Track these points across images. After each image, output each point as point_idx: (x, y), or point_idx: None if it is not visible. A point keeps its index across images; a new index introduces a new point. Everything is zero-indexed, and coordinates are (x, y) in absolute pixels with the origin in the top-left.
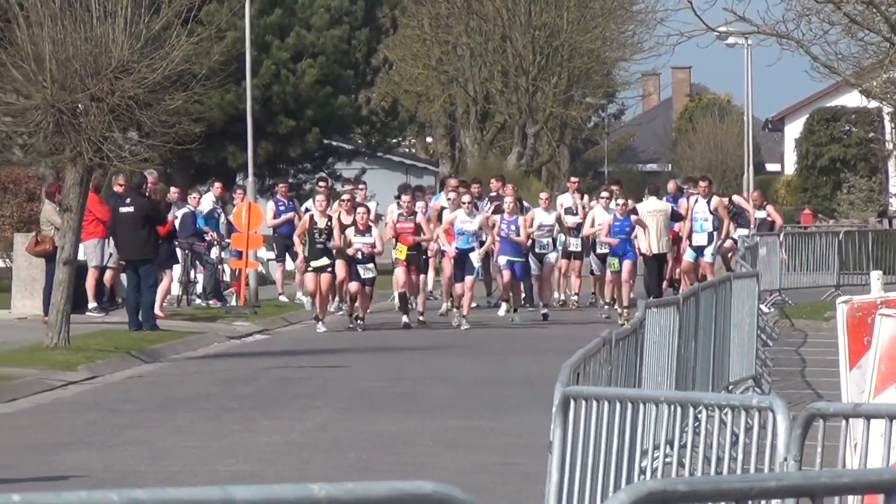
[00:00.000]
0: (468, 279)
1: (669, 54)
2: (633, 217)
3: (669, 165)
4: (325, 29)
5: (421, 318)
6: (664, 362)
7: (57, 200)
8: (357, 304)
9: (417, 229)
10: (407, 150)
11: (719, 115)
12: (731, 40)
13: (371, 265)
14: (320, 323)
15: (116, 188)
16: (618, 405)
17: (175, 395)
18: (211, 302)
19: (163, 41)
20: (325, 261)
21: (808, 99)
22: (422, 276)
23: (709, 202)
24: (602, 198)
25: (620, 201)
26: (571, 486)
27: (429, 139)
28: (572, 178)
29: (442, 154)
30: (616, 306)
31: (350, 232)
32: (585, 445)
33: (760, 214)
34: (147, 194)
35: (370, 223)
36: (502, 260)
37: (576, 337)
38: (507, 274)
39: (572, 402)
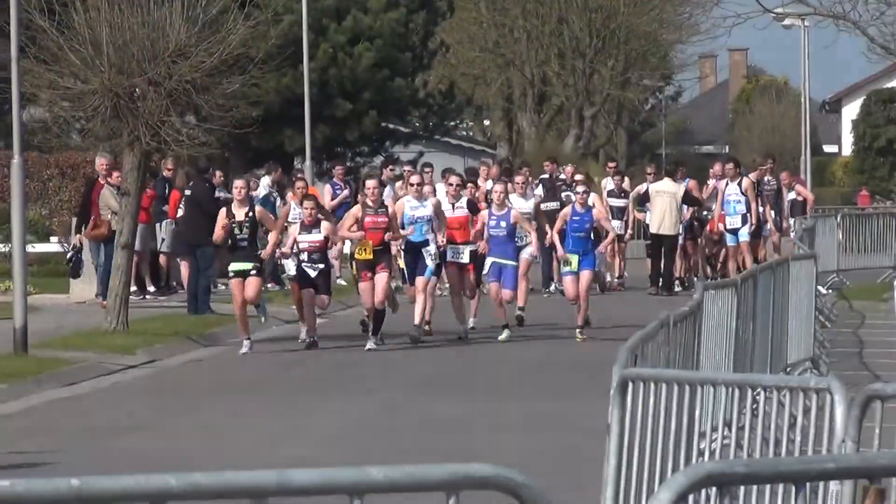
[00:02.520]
0: (419, 281)
1: (726, 36)
2: (594, 212)
3: (727, 147)
4: (382, 12)
5: (427, 327)
6: (722, 344)
7: (114, 184)
8: (313, 310)
9: (390, 225)
10: (464, 133)
11: (776, 97)
12: (787, 22)
13: (321, 265)
14: (246, 342)
15: (165, 172)
16: (676, 387)
17: (234, 379)
18: (269, 285)
19: (220, 25)
20: (247, 264)
21: (864, 80)
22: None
23: (739, 184)
24: (517, 184)
25: (580, 189)
26: (630, 468)
27: (486, 122)
28: (610, 163)
29: (499, 137)
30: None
31: (294, 229)
32: (643, 428)
33: (791, 195)
34: (209, 180)
35: (319, 217)
36: (487, 263)
37: (632, 319)
38: (494, 286)
39: (630, 385)
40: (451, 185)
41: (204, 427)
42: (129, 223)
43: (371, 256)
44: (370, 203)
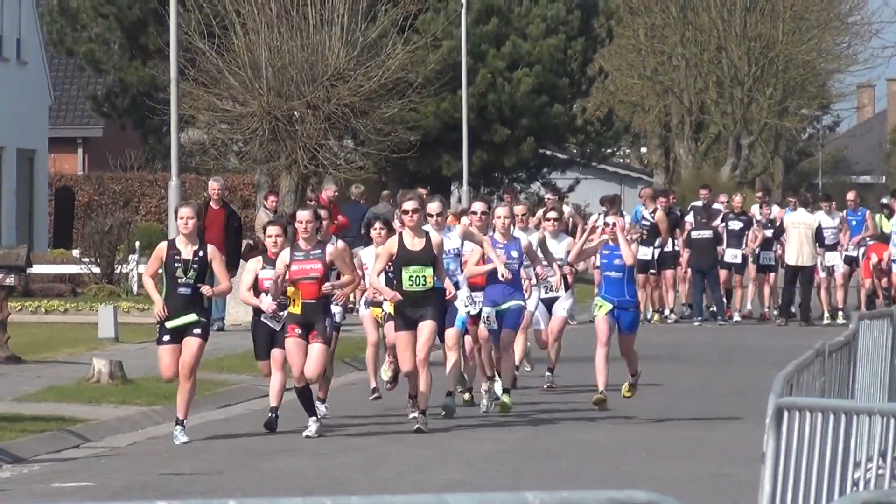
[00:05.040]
0: (449, 334)
1: (885, 66)
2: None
3: (884, 178)
4: (541, 38)
5: (466, 396)
6: (877, 374)
7: (270, 207)
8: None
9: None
10: (621, 160)
11: None
12: None
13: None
14: (178, 429)
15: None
16: (831, 416)
17: (388, 402)
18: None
19: (379, 49)
20: (190, 317)
21: None
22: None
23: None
24: (549, 220)
25: (609, 220)
26: (784, 496)
27: (643, 149)
28: (757, 193)
29: (656, 164)
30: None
31: (254, 264)
32: (798, 456)
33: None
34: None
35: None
36: (485, 312)
37: (787, 348)
38: (483, 332)
39: (786, 413)
40: (474, 213)
41: (358, 450)
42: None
43: (298, 311)
44: (302, 243)
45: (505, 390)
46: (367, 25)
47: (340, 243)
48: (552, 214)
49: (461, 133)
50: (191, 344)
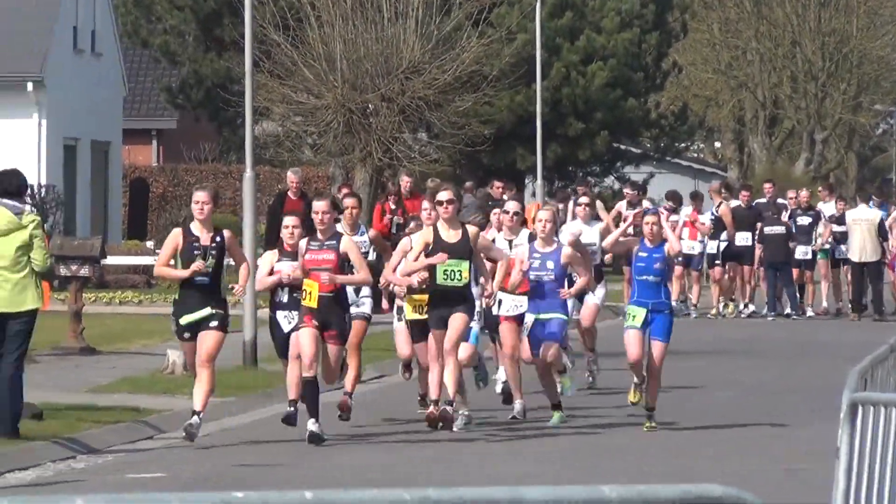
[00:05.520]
0: (466, 348)
1: None
2: (667, 247)
3: None
4: (615, 32)
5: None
6: None
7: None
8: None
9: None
10: (695, 154)
11: None
12: None
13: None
14: (195, 417)
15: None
16: None
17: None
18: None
19: (453, 42)
20: (204, 311)
21: None
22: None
23: None
24: (581, 204)
25: (648, 219)
26: (858, 492)
27: (717, 144)
28: (820, 188)
29: (730, 159)
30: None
31: (270, 257)
32: (873, 452)
33: None
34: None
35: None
36: (527, 319)
37: (861, 344)
38: (525, 346)
39: (860, 409)
40: (506, 212)
41: (430, 443)
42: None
43: (315, 304)
44: (319, 233)
45: (554, 406)
46: (441, 18)
47: (356, 237)
48: (584, 200)
49: (535, 126)
50: (208, 337)
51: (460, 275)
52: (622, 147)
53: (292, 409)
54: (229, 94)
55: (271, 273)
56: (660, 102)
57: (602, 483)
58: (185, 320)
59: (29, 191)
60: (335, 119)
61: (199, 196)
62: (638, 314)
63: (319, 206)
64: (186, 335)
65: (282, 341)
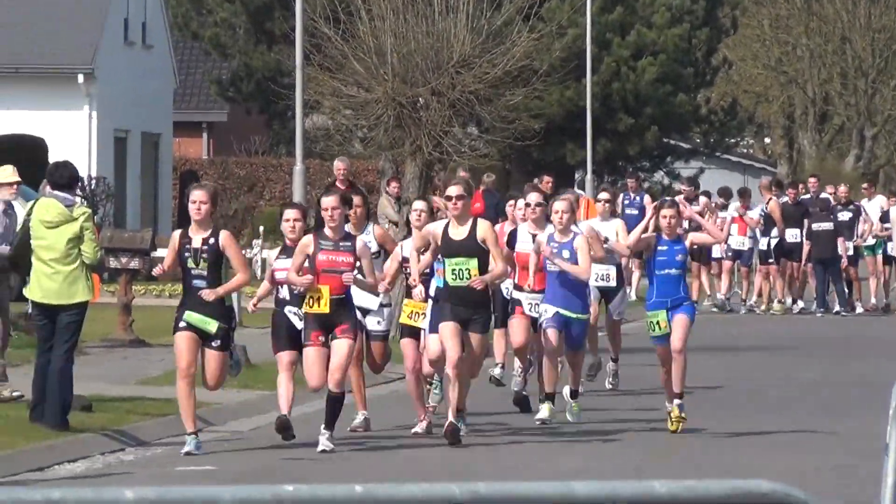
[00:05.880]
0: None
1: None
2: (691, 237)
3: None
4: (666, 27)
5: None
6: None
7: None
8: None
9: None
10: (745, 150)
11: None
12: None
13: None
14: (191, 439)
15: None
16: None
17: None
18: None
19: (504, 37)
20: (209, 323)
21: None
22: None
23: None
24: (601, 201)
25: (666, 212)
26: None
27: (767, 140)
28: (863, 185)
29: (779, 155)
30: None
31: (269, 255)
32: None
33: None
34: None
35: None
36: (548, 311)
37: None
38: (552, 335)
39: None
40: (528, 204)
41: (480, 438)
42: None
43: (327, 310)
44: (328, 231)
45: (572, 392)
46: (492, 13)
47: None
48: (603, 196)
49: (585, 121)
50: (210, 361)
51: (469, 273)
52: (672, 142)
53: (283, 417)
54: (279, 87)
55: (271, 276)
56: (710, 98)
57: (648, 478)
58: (188, 317)
59: (79, 183)
60: (385, 113)
61: (197, 195)
62: (661, 320)
63: (328, 201)
64: (182, 324)
65: (285, 333)
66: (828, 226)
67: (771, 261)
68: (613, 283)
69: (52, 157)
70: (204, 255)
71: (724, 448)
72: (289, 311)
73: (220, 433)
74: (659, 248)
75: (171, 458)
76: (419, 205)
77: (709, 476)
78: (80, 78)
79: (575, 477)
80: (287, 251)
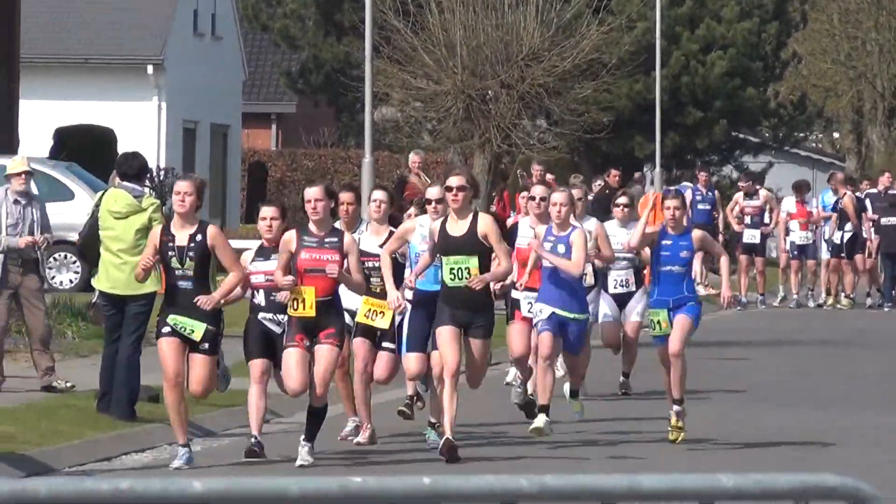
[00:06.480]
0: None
1: None
2: (695, 235)
3: None
4: (735, 21)
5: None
6: None
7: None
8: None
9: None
10: (814, 144)
11: None
12: None
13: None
14: (183, 452)
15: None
16: None
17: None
18: None
19: (573, 30)
20: (195, 326)
21: None
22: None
23: None
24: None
25: (670, 203)
26: None
27: (835, 134)
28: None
29: (848, 150)
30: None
31: (244, 257)
32: None
33: None
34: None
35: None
36: (542, 311)
37: None
38: (547, 339)
39: None
40: (532, 198)
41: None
42: None
43: (312, 313)
44: (312, 226)
45: (574, 393)
46: (561, 6)
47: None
48: (622, 200)
49: (654, 115)
50: (196, 365)
51: (468, 273)
52: (740, 136)
53: (255, 443)
54: (348, 79)
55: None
56: (779, 92)
57: (707, 472)
58: (173, 319)
59: (148, 174)
60: (454, 105)
61: (181, 186)
62: (662, 319)
63: (312, 192)
64: (166, 329)
65: (257, 341)
66: (895, 220)
67: (843, 255)
68: (633, 288)
69: (121, 148)
70: (190, 254)
71: (787, 443)
72: (263, 317)
73: (287, 424)
74: (663, 242)
75: (237, 448)
76: (378, 195)
77: (770, 471)
78: (150, 69)
79: (638, 470)
80: (263, 253)
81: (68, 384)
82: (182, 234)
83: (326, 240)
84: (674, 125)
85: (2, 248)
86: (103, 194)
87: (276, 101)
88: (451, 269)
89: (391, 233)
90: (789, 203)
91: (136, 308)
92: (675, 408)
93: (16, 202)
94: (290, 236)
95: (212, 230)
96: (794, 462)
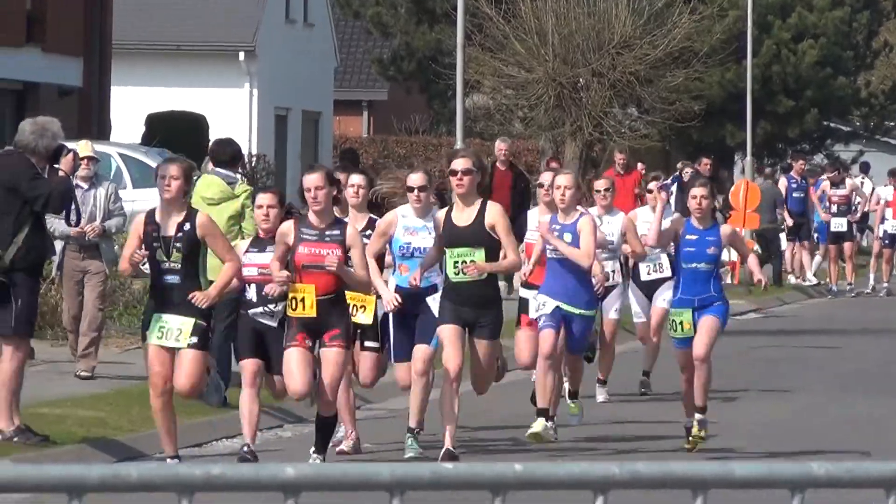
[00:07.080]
0: (420, 353)
1: None
2: (723, 229)
3: None
4: (826, 10)
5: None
6: None
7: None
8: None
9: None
10: None
11: None
12: None
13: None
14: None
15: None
16: None
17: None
18: None
19: (665, 18)
20: (183, 322)
21: None
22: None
23: None
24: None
25: (697, 192)
26: None
27: None
28: None
29: None
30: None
31: (238, 246)
32: None
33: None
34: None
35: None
36: (546, 305)
37: None
38: (548, 337)
39: None
40: (541, 185)
41: (632, 419)
42: None
43: (313, 313)
44: (313, 217)
45: (572, 394)
46: None
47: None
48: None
49: (745, 103)
50: (184, 360)
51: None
52: (831, 125)
53: (247, 451)
54: (440, 67)
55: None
56: (870, 81)
57: (795, 460)
58: (159, 322)
59: (241, 160)
60: (546, 93)
61: (167, 170)
62: (685, 320)
63: (312, 180)
64: (153, 336)
65: (248, 339)
66: None
67: None
68: (669, 273)
69: (213, 135)
70: (177, 245)
71: (872, 432)
72: (254, 313)
73: (377, 410)
74: (687, 236)
75: None
76: (356, 179)
77: (867, 459)
78: (242, 56)
79: (727, 458)
80: (259, 244)
81: (84, 373)
82: (168, 223)
83: (327, 233)
84: (765, 114)
85: (58, 235)
86: (196, 180)
87: (367, 89)
88: (456, 262)
89: (370, 219)
90: (887, 191)
91: (227, 295)
92: (698, 416)
93: (77, 187)
94: (288, 227)
95: (201, 217)
96: (879, 452)
